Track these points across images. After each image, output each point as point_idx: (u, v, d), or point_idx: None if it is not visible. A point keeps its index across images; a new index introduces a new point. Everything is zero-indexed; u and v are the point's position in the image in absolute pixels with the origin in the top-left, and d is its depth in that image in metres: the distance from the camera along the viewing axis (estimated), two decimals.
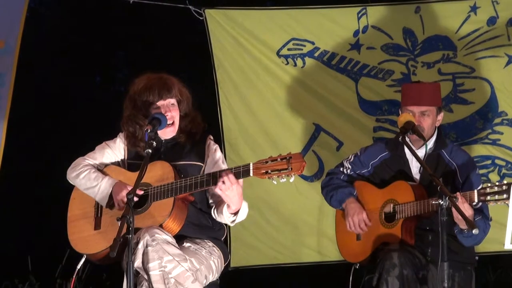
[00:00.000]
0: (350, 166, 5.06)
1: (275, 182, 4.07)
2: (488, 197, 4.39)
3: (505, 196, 4.35)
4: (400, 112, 4.91)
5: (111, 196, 4.35)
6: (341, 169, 5.09)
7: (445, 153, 4.88)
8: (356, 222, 4.85)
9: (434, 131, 4.89)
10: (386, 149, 4.99)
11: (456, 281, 4.69)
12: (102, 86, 9.66)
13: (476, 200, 4.46)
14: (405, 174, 4.87)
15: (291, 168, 4.00)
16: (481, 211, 4.70)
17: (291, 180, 4.04)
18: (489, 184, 4.49)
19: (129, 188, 4.23)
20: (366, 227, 4.84)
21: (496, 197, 4.37)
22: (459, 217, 4.38)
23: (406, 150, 4.85)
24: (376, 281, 4.63)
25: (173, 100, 4.46)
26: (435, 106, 4.87)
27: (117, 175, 4.44)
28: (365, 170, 5.03)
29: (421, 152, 4.82)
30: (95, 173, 4.43)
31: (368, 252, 4.87)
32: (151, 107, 4.44)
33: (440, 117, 4.91)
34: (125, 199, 4.10)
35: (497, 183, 4.42)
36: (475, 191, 4.47)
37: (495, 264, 7.11)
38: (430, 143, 4.86)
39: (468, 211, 4.47)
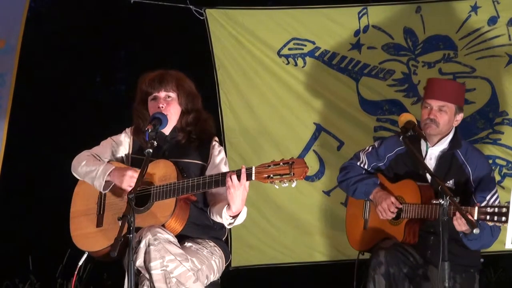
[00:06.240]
0: (366, 160, 5.00)
1: (277, 187, 4.07)
2: (488, 217, 4.34)
3: (503, 219, 4.30)
4: (421, 106, 4.88)
5: (108, 183, 4.34)
6: (358, 162, 5.03)
7: (460, 154, 4.81)
8: (386, 208, 4.76)
9: (451, 130, 4.83)
10: (403, 144, 4.93)
11: (458, 282, 4.67)
12: (102, 86, 9.66)
13: (475, 217, 4.40)
14: (418, 171, 4.81)
15: (293, 174, 4.00)
16: None
17: (293, 185, 4.03)
18: (490, 204, 4.50)
19: (130, 170, 4.28)
20: (395, 210, 4.77)
21: (495, 218, 4.33)
22: (458, 222, 4.41)
23: (422, 146, 4.81)
24: (364, 279, 4.68)
25: (171, 94, 4.46)
26: (454, 104, 4.80)
27: None
28: (381, 164, 4.99)
29: (436, 149, 4.80)
30: (95, 160, 4.45)
31: (371, 243, 4.89)
32: (148, 98, 4.50)
33: (459, 117, 4.84)
34: (134, 178, 4.16)
35: (498, 204, 4.40)
36: (476, 208, 4.39)
37: (496, 263, 7.11)
38: (445, 142, 4.82)
39: (462, 227, 4.45)
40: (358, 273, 5.02)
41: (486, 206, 4.41)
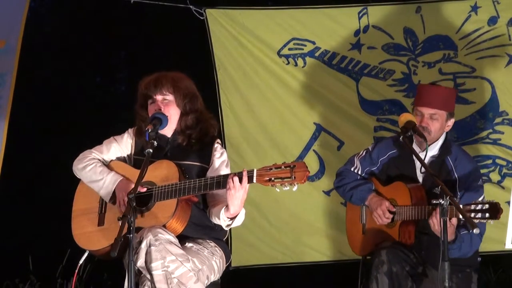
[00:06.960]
0: (360, 165, 5.02)
1: (278, 190, 4.07)
2: (472, 215, 4.32)
3: (487, 215, 4.29)
4: (411, 112, 4.88)
5: (114, 192, 4.35)
6: (352, 168, 5.05)
7: (450, 161, 4.81)
8: (381, 214, 4.78)
9: (441, 136, 4.83)
10: (395, 146, 4.94)
11: (454, 282, 4.65)
12: (102, 86, 9.67)
13: (460, 216, 4.36)
14: (410, 174, 4.83)
15: (294, 177, 4.01)
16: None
17: (294, 189, 4.03)
18: (474, 201, 4.46)
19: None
20: (390, 215, 4.77)
21: (479, 215, 4.31)
22: (436, 229, 4.42)
23: (414, 149, 4.82)
24: (366, 278, 4.67)
25: (168, 96, 4.46)
26: (445, 111, 4.80)
27: (122, 171, 4.45)
28: (375, 168, 5.00)
29: (423, 153, 4.79)
30: (101, 167, 4.45)
31: (371, 247, 4.89)
32: (147, 102, 4.51)
33: (450, 122, 4.85)
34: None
35: (481, 201, 4.38)
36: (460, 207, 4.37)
37: (496, 263, 7.12)
38: (435, 148, 4.82)
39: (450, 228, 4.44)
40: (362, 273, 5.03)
41: (469, 204, 4.37)
